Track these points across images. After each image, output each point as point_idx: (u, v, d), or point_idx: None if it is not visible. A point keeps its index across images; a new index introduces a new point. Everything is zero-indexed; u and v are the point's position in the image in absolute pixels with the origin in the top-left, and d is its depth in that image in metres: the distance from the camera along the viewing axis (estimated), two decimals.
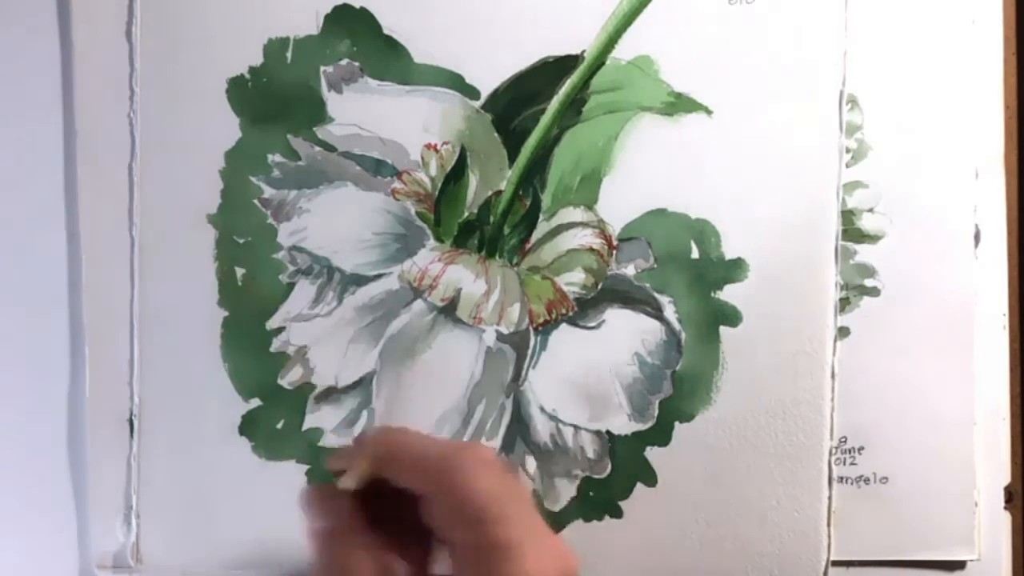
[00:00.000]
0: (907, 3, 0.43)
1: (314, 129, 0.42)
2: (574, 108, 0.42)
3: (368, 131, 0.42)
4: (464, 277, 0.43)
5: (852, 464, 0.43)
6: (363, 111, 0.42)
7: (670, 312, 0.43)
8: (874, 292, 0.43)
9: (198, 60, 0.42)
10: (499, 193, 0.43)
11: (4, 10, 0.43)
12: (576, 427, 0.43)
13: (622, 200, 0.43)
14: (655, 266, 0.43)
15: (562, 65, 0.42)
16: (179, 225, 0.42)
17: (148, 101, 0.42)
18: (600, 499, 0.43)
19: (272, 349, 0.43)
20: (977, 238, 0.43)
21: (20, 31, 0.43)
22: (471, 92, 0.42)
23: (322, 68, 0.42)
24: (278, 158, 0.42)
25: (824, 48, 0.42)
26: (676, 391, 0.43)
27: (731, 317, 0.42)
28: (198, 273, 0.42)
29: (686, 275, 0.42)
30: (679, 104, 0.42)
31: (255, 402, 0.43)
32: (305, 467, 0.43)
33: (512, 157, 0.43)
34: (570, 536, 0.43)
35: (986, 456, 0.43)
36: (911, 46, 0.43)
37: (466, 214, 0.43)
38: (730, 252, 0.42)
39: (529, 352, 0.43)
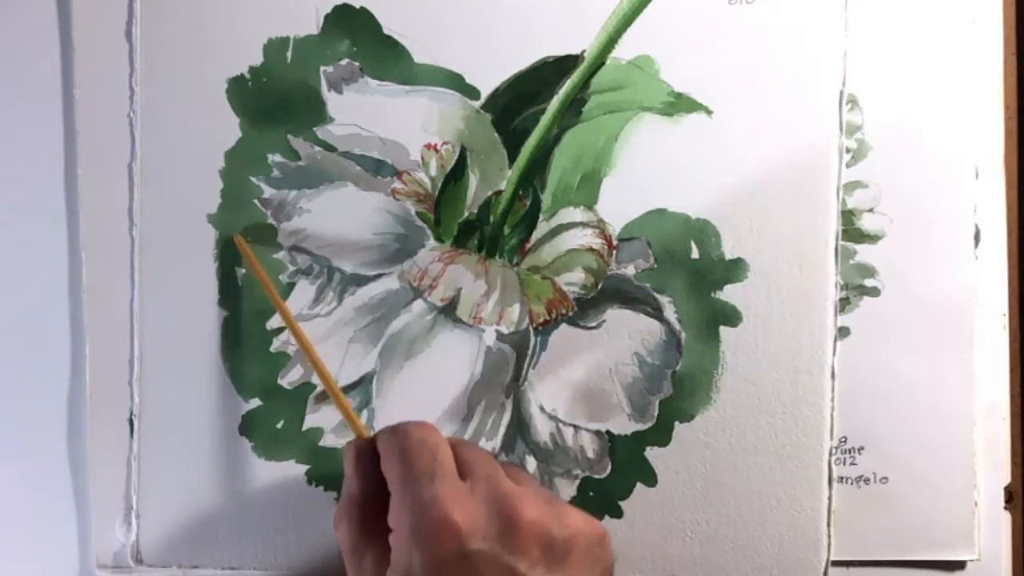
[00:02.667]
0: (907, 3, 0.43)
1: (314, 129, 0.42)
2: (574, 108, 0.42)
3: (368, 131, 0.42)
4: (464, 277, 0.43)
5: (852, 464, 0.43)
6: (363, 111, 0.42)
7: (670, 312, 0.43)
8: (874, 292, 0.43)
9: (198, 60, 0.42)
10: (499, 193, 0.43)
11: (4, 10, 0.43)
12: (576, 427, 0.43)
13: (622, 200, 0.43)
14: (655, 266, 0.43)
15: (562, 65, 0.42)
16: (179, 225, 0.42)
17: (148, 101, 0.42)
18: (600, 499, 0.43)
19: (272, 349, 0.43)
20: (977, 238, 0.43)
21: (20, 31, 0.43)
22: (471, 92, 0.42)
23: (322, 68, 0.42)
24: (278, 158, 0.42)
25: (824, 48, 0.42)
26: (676, 391, 0.43)
27: (731, 317, 0.42)
28: (198, 273, 0.42)
29: (686, 275, 0.42)
30: (679, 104, 0.42)
31: (255, 402, 0.43)
32: (305, 467, 0.43)
33: (512, 157, 0.43)
34: None
35: (986, 456, 0.43)
36: (911, 46, 0.43)
37: (466, 214, 0.43)
38: (730, 252, 0.42)
39: (529, 352, 0.43)
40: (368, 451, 0.35)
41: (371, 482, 0.35)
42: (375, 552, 0.33)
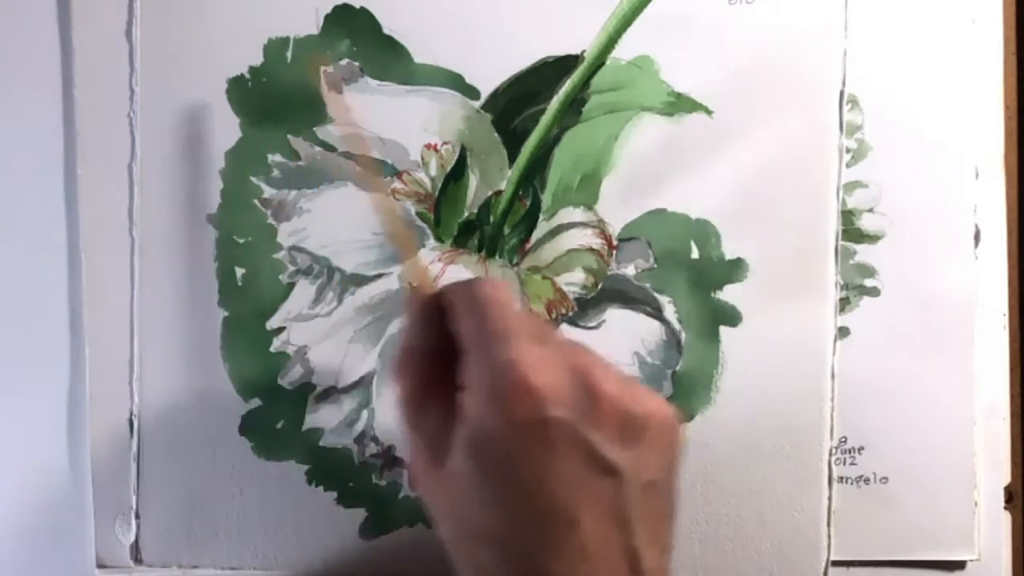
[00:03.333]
0: (907, 3, 0.43)
1: (314, 129, 0.42)
2: (574, 108, 0.42)
3: (368, 131, 0.42)
4: (464, 277, 0.43)
5: (852, 464, 0.43)
6: (363, 111, 0.42)
7: (670, 312, 0.43)
8: (874, 292, 0.43)
9: (198, 60, 0.42)
10: (499, 193, 0.43)
11: (4, 10, 0.43)
12: None
13: (622, 200, 0.43)
14: (655, 266, 0.43)
15: (562, 65, 0.42)
16: (179, 225, 0.42)
17: (148, 101, 0.42)
18: None
19: (272, 349, 0.43)
20: (977, 238, 0.43)
21: (20, 31, 0.43)
22: (471, 92, 0.42)
23: (322, 68, 0.42)
24: (278, 158, 0.42)
25: (824, 48, 0.42)
26: (676, 391, 0.43)
27: (731, 317, 0.42)
28: (198, 273, 0.42)
29: (686, 275, 0.42)
30: (679, 104, 0.42)
31: (255, 402, 0.43)
32: (305, 467, 0.43)
33: (512, 157, 0.43)
34: None
35: (986, 456, 0.43)
36: (911, 46, 0.43)
37: (466, 214, 0.43)
38: (730, 252, 0.42)
39: None
40: (434, 306, 0.33)
41: (435, 336, 0.33)
42: (440, 408, 0.32)
